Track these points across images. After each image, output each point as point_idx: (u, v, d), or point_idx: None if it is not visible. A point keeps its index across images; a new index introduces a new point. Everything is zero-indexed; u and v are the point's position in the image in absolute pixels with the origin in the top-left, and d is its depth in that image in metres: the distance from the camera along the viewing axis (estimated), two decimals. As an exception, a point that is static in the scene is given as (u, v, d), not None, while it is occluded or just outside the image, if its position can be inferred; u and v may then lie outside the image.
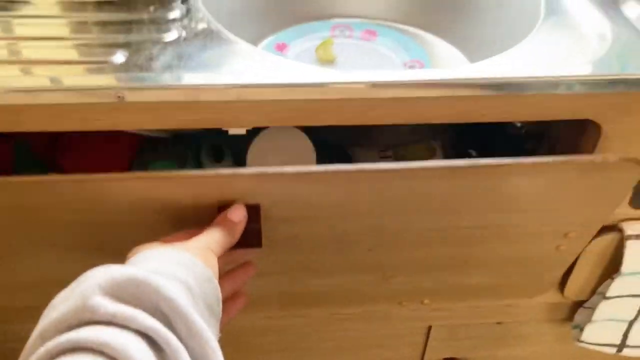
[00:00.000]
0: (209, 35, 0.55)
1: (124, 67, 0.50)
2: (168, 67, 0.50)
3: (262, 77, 0.50)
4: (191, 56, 0.52)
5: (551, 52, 0.56)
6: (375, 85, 0.50)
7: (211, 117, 0.50)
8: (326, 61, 0.74)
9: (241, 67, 0.51)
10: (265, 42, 0.78)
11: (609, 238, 0.65)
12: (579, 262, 0.68)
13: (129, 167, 0.62)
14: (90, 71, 0.50)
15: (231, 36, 0.55)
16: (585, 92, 0.53)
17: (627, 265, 0.65)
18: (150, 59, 0.51)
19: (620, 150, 0.57)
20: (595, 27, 0.59)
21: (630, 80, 0.52)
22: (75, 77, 0.49)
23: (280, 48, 0.76)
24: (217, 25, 0.57)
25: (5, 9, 0.58)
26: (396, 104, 0.52)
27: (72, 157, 0.62)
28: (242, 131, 0.52)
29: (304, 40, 0.77)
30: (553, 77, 0.52)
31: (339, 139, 0.68)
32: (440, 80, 0.51)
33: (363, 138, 0.67)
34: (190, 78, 0.49)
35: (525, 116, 0.56)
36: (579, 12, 0.61)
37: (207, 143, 0.64)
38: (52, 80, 0.48)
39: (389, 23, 0.83)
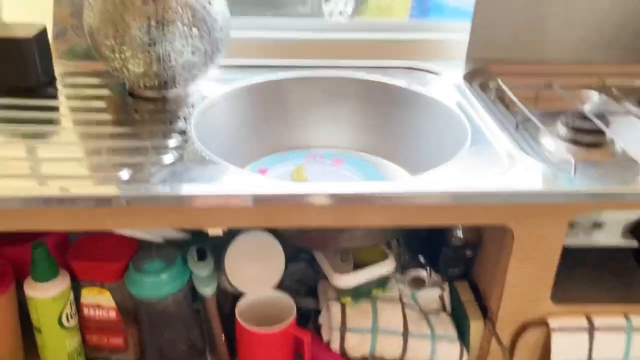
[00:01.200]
0: (199, 159, 0.70)
1: (128, 181, 0.64)
2: (163, 181, 0.64)
3: (238, 189, 0.63)
4: (183, 174, 0.66)
5: (472, 170, 0.70)
6: (333, 196, 0.64)
7: (195, 219, 0.64)
8: (299, 182, 0.89)
9: (223, 181, 0.65)
10: (248, 167, 0.93)
11: (537, 332, 0.75)
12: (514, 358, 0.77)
13: (127, 265, 0.74)
14: (101, 183, 0.64)
15: (218, 159, 0.70)
16: (497, 202, 0.67)
17: (555, 356, 0.74)
18: (150, 175, 0.65)
19: (531, 250, 0.70)
20: (508, 151, 0.73)
21: (533, 193, 0.66)
22: (88, 188, 0.63)
23: (261, 172, 0.91)
24: (207, 152, 0.71)
25: (35, 136, 0.73)
26: (346, 211, 0.65)
27: (81, 257, 0.75)
28: (219, 232, 0.64)
29: (281, 166, 0.93)
30: (472, 191, 0.66)
31: (305, 243, 0.80)
32: (380, 193, 0.65)
33: (325, 242, 0.80)
34: (180, 189, 0.63)
35: (452, 220, 0.69)
36: (497, 140, 0.76)
37: (193, 246, 0.76)
38: (64, 189, 0.62)
39: (353, 152, 0.99)
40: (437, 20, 1.15)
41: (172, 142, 0.74)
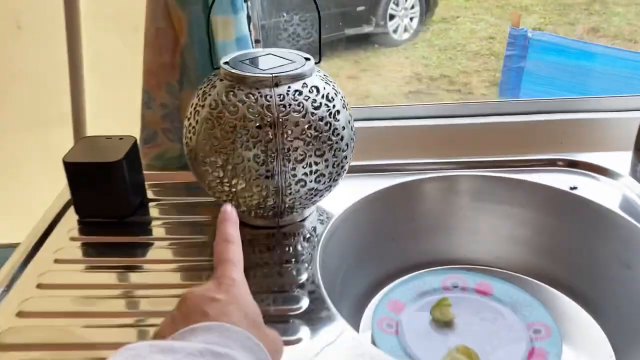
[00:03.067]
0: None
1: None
2: None
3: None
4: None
5: None
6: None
7: None
8: (443, 322, 0.71)
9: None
10: (378, 297, 0.76)
11: None
12: None
13: None
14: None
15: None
16: None
17: None
18: None
19: None
20: None
21: None
22: None
23: (395, 307, 0.74)
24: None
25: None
26: None
27: None
28: None
29: (417, 297, 0.75)
30: None
31: None
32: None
33: None
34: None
35: None
36: None
37: None
38: None
39: (501, 271, 0.80)
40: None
41: (302, 304, 0.58)
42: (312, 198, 0.67)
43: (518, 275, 0.79)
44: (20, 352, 0.52)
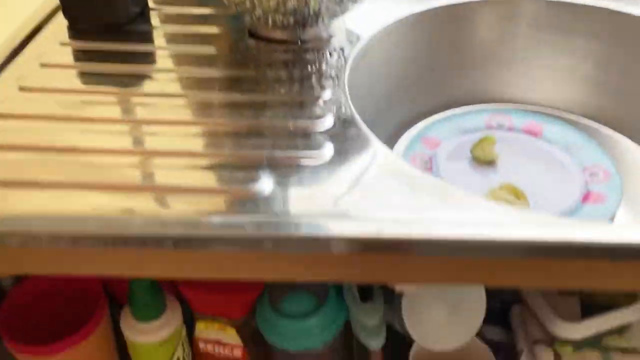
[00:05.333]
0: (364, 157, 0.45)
1: (271, 198, 0.40)
2: (323, 209, 0.40)
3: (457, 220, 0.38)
4: (350, 187, 0.41)
5: None
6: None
7: (379, 273, 0.39)
8: (484, 162, 0.62)
9: (415, 207, 0.40)
10: (411, 133, 0.67)
11: None
12: None
13: (260, 296, 0.53)
14: (225, 202, 0.40)
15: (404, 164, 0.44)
16: None
17: None
18: (299, 189, 0.41)
19: None
20: None
21: None
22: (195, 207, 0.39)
23: (431, 144, 0.64)
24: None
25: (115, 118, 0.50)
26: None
27: (197, 285, 0.53)
28: (413, 288, 0.40)
29: (455, 134, 0.66)
30: None
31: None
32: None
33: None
34: (355, 227, 0.38)
35: None
36: None
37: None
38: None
39: (553, 111, 0.70)
40: None
41: (326, 121, 0.48)
42: (341, 4, 0.56)
43: (575, 117, 0.69)
44: (-2, 153, 0.44)
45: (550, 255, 0.38)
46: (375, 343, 0.50)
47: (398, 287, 0.41)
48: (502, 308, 0.63)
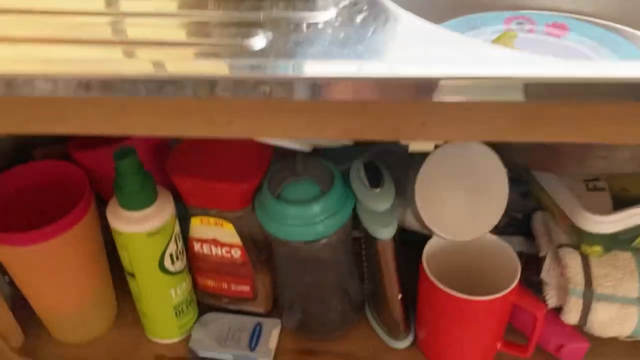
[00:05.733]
0: (375, 12, 0.40)
1: (266, 53, 0.36)
2: (327, 54, 0.35)
3: (468, 66, 0.34)
4: (357, 39, 0.36)
5: None
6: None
7: (389, 124, 0.35)
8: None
9: (429, 54, 0.35)
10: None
11: None
12: None
13: (259, 186, 0.48)
14: (222, 57, 0.36)
15: (403, 12, 0.40)
16: None
17: None
18: (300, 42, 0.37)
19: None
20: None
21: None
22: (200, 65, 0.35)
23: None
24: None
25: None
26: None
27: (189, 172, 0.49)
28: (429, 146, 0.36)
29: (474, 33, 0.61)
30: None
31: (532, 162, 0.50)
32: None
33: (566, 161, 0.50)
34: (362, 67, 0.34)
35: None
36: None
37: (358, 161, 0.49)
38: (158, 65, 0.35)
39: (581, 17, 0.65)
40: None
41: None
42: None
43: (605, 22, 0.64)
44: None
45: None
46: (386, 232, 0.46)
47: (412, 146, 0.36)
48: (523, 218, 0.59)
